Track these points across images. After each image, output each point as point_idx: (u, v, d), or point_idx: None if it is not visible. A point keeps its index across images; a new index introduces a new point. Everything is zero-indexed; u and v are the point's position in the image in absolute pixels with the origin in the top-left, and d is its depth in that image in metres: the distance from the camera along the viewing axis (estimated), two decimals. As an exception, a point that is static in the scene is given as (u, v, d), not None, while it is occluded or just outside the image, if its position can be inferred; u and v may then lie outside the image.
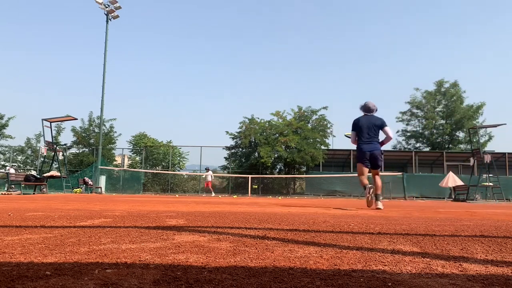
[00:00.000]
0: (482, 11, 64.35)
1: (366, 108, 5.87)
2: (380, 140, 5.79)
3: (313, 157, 24.81)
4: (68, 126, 28.22)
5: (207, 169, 21.99)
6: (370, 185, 5.59)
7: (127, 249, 1.46)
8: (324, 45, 74.21)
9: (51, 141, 16.23)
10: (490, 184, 16.30)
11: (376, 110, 5.90)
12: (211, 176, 21.15)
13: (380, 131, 5.78)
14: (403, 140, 34.32)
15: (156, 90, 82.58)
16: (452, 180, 19.09)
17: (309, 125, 26.57)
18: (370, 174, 5.88)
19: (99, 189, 20.06)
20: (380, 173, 5.87)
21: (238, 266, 1.20)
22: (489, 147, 28.40)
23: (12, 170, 18.30)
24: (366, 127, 5.70)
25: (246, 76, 76.77)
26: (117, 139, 29.29)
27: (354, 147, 6.03)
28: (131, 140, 29.50)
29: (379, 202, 5.44)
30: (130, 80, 77.64)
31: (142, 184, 25.31)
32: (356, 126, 5.82)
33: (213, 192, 20.76)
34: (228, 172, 26.89)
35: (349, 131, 6.03)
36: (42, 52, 71.87)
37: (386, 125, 5.74)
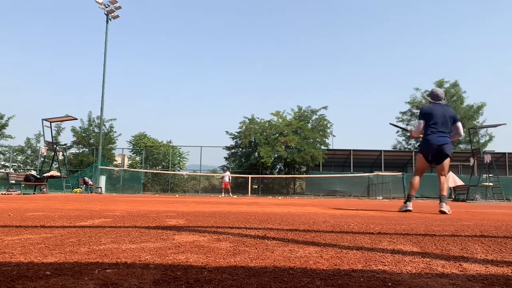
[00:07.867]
0: (482, 11, 64.37)
1: (435, 96, 5.13)
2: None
3: (313, 157, 24.78)
4: (68, 126, 28.24)
5: (225, 169, 21.55)
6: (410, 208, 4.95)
7: (127, 249, 1.46)
8: (324, 44, 74.25)
9: (51, 141, 16.22)
10: (490, 184, 16.29)
11: (445, 99, 5.26)
12: (229, 177, 20.22)
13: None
14: (403, 140, 34.36)
15: (156, 90, 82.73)
16: (452, 180, 19.08)
17: (309, 125, 26.56)
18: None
19: (99, 189, 20.05)
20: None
21: (238, 266, 1.19)
22: (489, 147, 28.40)
23: None
24: (441, 116, 4.92)
25: (246, 76, 76.81)
26: (117, 139, 29.32)
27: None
28: (131, 140, 29.51)
29: (444, 204, 4.71)
30: (130, 80, 77.78)
31: (142, 184, 25.30)
32: (428, 114, 4.99)
33: (227, 193, 19.88)
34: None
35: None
36: (42, 52, 71.99)
37: (458, 120, 5.04)
